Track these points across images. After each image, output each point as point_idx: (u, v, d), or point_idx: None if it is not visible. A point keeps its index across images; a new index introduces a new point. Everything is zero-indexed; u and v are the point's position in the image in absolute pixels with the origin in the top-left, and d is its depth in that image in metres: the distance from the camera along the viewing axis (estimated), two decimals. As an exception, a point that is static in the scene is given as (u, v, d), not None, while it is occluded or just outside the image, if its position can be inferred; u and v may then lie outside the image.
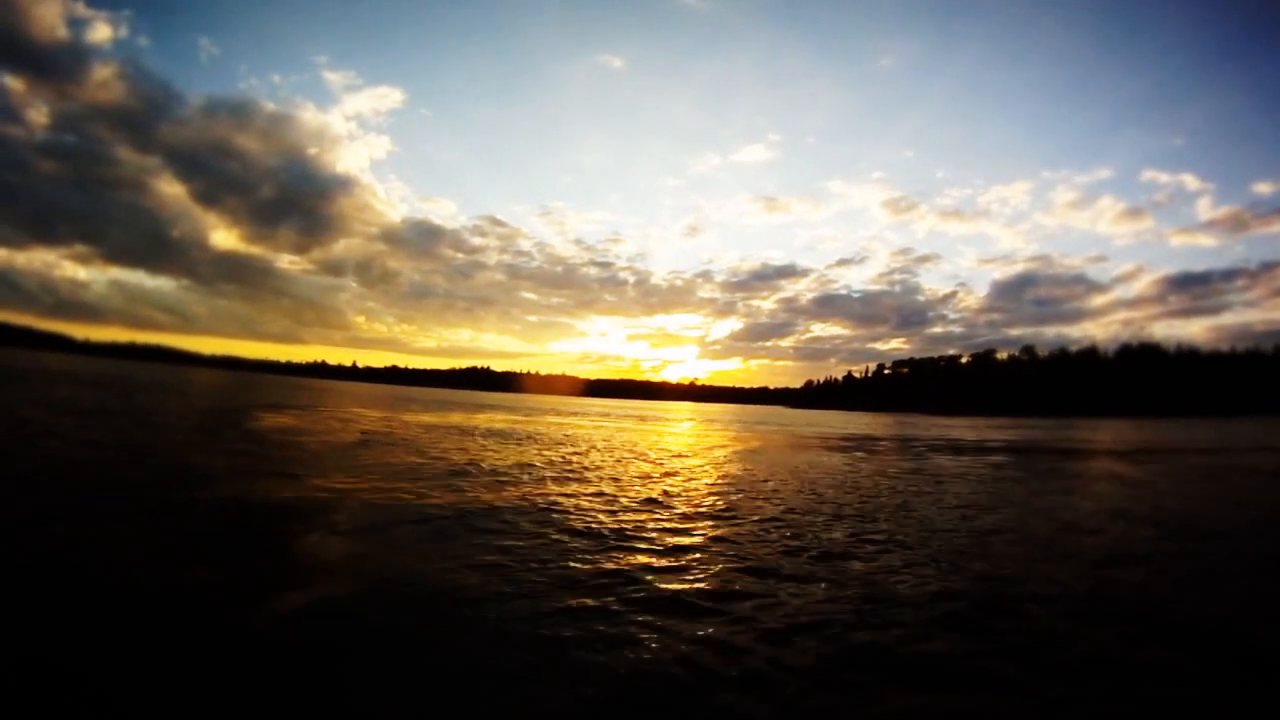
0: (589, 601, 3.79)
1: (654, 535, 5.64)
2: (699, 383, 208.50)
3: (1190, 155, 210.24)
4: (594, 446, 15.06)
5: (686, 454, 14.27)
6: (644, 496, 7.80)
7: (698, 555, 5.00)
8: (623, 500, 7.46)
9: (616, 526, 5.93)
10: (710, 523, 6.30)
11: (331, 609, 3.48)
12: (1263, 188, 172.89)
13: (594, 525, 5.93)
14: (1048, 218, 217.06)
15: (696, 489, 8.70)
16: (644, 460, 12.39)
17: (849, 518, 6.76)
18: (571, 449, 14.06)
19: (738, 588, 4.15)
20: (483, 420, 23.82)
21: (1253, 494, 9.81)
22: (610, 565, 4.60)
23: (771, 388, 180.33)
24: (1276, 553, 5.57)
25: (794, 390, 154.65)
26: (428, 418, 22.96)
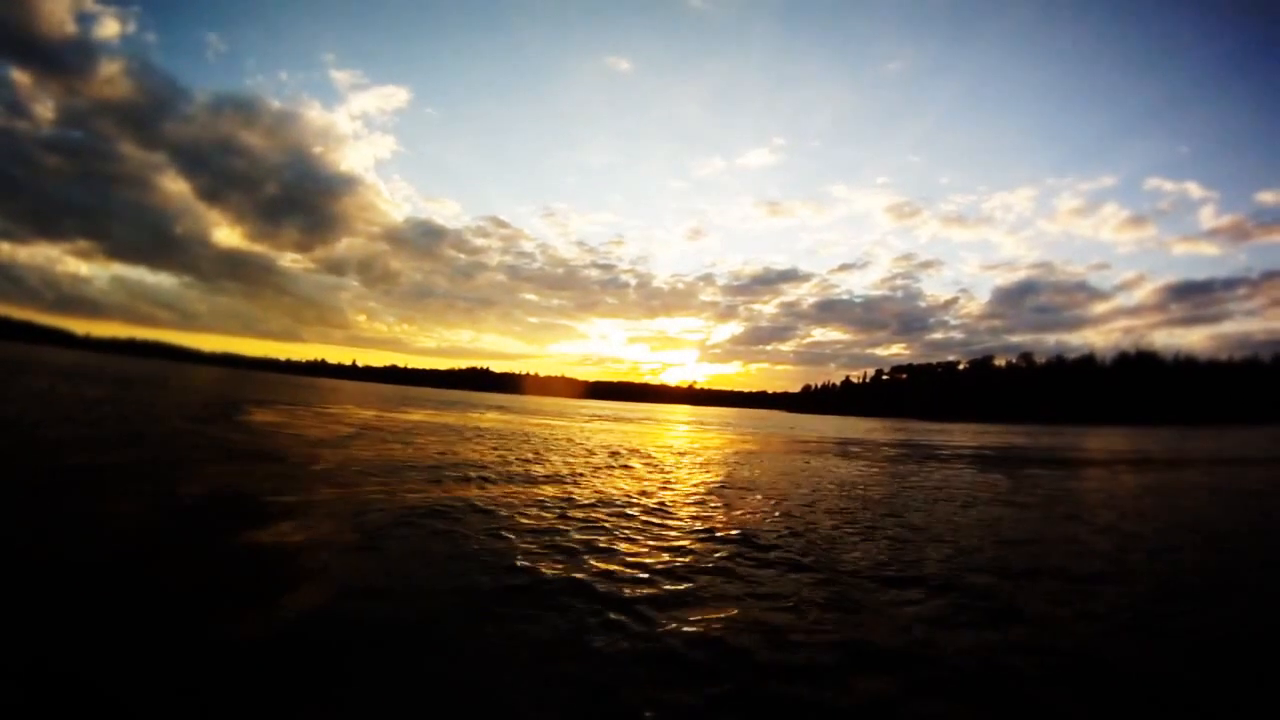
0: (521, 584, 4.15)
1: (606, 526, 6.00)
2: (698, 386, 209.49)
3: (1194, 164, 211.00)
4: (574, 441, 15.41)
5: (668, 455, 14.61)
6: (611, 492, 8.15)
7: (638, 542, 5.36)
8: (587, 498, 7.81)
9: (572, 521, 6.29)
10: (661, 514, 6.66)
11: (279, 589, 3.83)
12: (1266, 197, 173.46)
13: (549, 520, 6.29)
14: (1051, 225, 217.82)
15: (664, 486, 9.05)
16: (626, 461, 12.74)
17: (797, 509, 7.11)
18: (554, 449, 14.41)
19: (659, 569, 4.51)
20: (473, 420, 24.17)
21: (1203, 510, 10.10)
22: (559, 557, 4.96)
23: (770, 392, 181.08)
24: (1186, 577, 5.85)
25: (792, 395, 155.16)
26: (419, 416, 23.31)
